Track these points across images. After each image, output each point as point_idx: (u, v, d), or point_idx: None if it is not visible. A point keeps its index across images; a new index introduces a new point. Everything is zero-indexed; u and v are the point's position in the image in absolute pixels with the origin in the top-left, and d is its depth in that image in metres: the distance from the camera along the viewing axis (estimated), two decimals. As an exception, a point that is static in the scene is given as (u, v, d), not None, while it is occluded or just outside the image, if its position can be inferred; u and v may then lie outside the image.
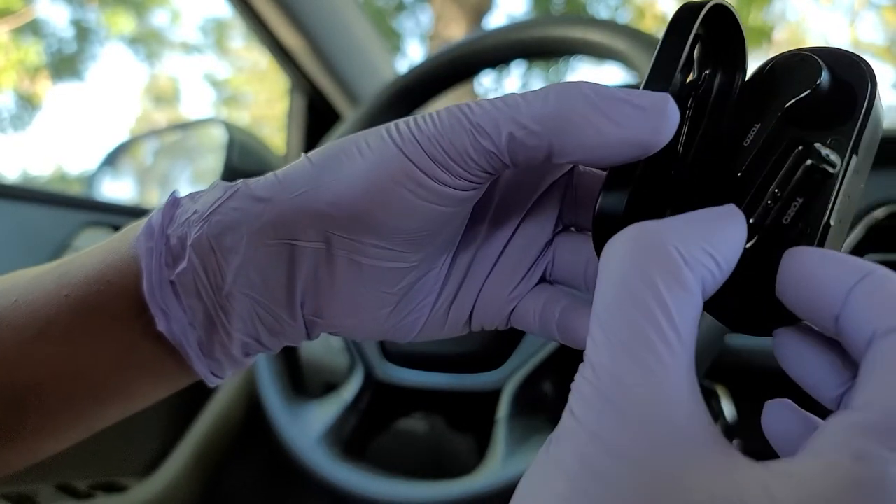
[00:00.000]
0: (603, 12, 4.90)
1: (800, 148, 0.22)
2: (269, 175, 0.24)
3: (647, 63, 0.49)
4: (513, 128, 0.21)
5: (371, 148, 0.22)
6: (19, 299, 0.25)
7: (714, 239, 0.19)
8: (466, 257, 0.26)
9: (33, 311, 0.24)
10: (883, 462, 0.14)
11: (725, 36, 0.24)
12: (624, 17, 5.25)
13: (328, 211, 0.22)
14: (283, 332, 0.25)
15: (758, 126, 0.23)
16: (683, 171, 0.24)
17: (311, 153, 0.24)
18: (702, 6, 0.22)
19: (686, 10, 0.22)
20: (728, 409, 0.58)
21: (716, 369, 0.49)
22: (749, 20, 4.57)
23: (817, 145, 0.21)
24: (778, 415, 0.20)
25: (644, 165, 0.22)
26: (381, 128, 0.23)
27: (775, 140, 0.23)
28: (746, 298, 0.21)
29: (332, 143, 0.24)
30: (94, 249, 0.26)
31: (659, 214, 0.23)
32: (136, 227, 0.25)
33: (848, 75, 0.22)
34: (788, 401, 0.21)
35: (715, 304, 0.21)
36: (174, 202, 0.25)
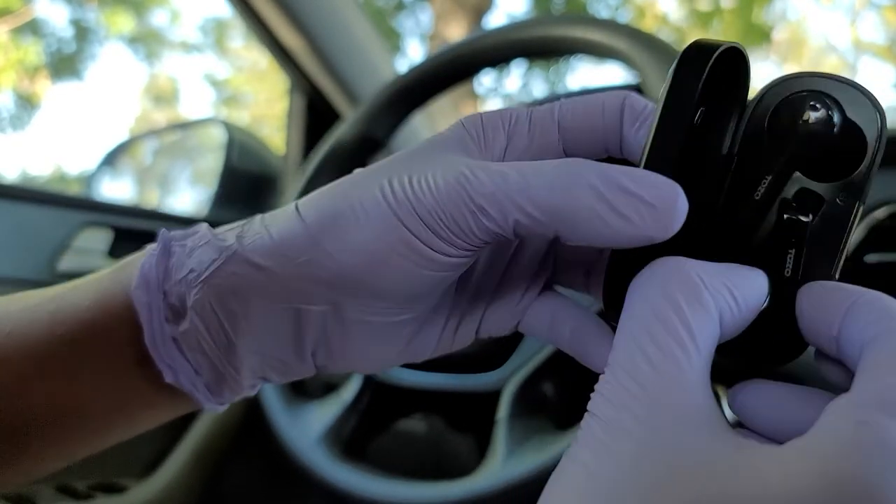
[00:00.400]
0: (603, 12, 4.90)
1: (811, 200, 0.21)
2: (263, 233, 0.23)
3: (647, 63, 0.49)
4: (518, 215, 0.20)
5: (368, 214, 0.22)
6: (13, 331, 0.24)
7: (735, 279, 0.20)
8: (470, 284, 0.26)
9: (28, 349, 0.24)
10: (883, 428, 0.16)
11: (730, 75, 0.23)
12: (624, 17, 5.25)
13: (332, 281, 0.22)
14: (292, 372, 0.26)
15: (769, 178, 0.22)
16: (693, 227, 0.23)
17: (302, 207, 0.23)
18: (706, 60, 0.20)
19: (693, 56, 0.21)
20: (728, 410, 0.58)
21: (716, 370, 0.49)
22: (750, 20, 4.57)
23: (828, 199, 0.21)
24: (749, 397, 0.21)
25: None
26: (376, 187, 0.22)
27: (783, 190, 0.22)
28: (762, 337, 0.21)
29: (323, 197, 0.23)
30: (85, 286, 0.25)
31: None
32: (128, 267, 0.25)
33: (857, 115, 0.21)
34: (756, 380, 0.21)
35: (732, 348, 0.22)
36: (166, 250, 0.24)
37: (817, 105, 0.21)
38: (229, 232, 0.24)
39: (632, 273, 0.21)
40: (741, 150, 0.23)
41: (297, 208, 0.23)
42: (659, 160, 0.21)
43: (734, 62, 0.22)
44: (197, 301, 0.23)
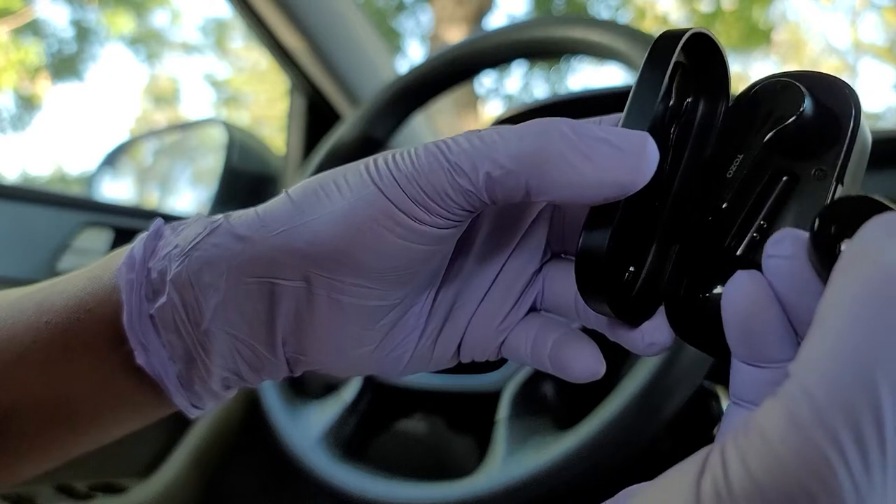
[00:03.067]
0: (604, 13, 4.91)
1: (785, 178, 0.22)
2: (250, 211, 0.24)
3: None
4: (489, 167, 0.20)
5: (350, 185, 0.22)
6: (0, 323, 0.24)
7: None
8: (451, 291, 0.25)
9: (12, 337, 0.24)
10: (825, 455, 0.13)
11: (708, 63, 0.24)
12: (624, 18, 5.25)
13: (307, 251, 0.22)
14: (263, 367, 0.25)
15: (741, 157, 0.23)
16: (667, 203, 0.24)
17: (292, 189, 0.23)
18: (680, 35, 0.22)
19: (665, 40, 0.22)
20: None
21: (716, 370, 0.49)
22: (750, 21, 4.57)
23: (803, 176, 0.21)
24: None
25: (625, 204, 0.21)
26: (360, 163, 0.22)
27: (759, 170, 0.22)
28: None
29: (312, 179, 0.23)
30: (76, 275, 0.25)
31: (644, 250, 0.23)
32: (118, 255, 0.25)
33: (831, 101, 0.22)
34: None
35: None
36: (157, 233, 0.25)
37: (791, 89, 0.22)
38: (223, 214, 0.24)
39: (602, 261, 0.21)
40: (721, 130, 0.24)
41: (287, 192, 0.23)
42: (632, 124, 0.21)
43: (712, 58, 0.23)
44: (176, 274, 0.23)
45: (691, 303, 0.22)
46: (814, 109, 0.21)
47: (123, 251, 0.25)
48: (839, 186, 0.21)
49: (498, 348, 0.26)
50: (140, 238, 0.25)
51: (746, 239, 0.22)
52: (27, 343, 0.24)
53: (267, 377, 0.25)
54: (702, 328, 0.22)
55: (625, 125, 0.21)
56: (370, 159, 0.22)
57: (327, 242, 0.22)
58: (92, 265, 0.26)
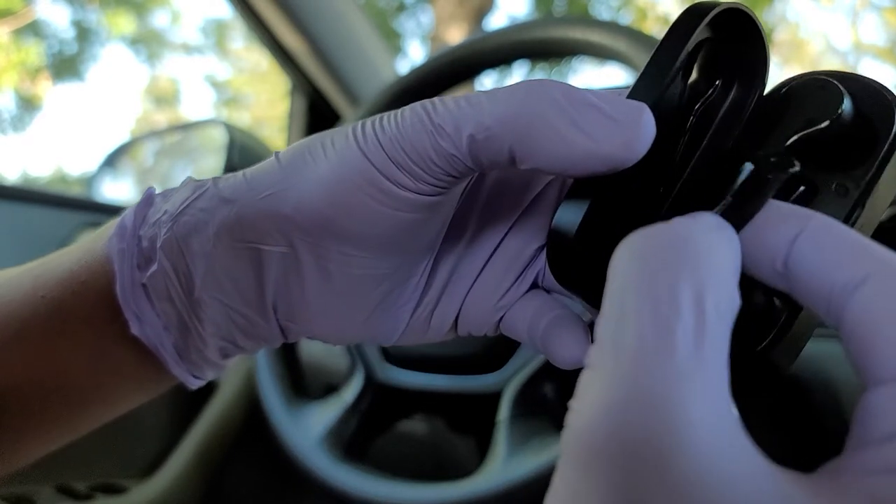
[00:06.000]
0: (605, 13, 4.91)
1: (802, 189, 0.19)
2: (238, 174, 0.23)
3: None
4: (473, 129, 0.19)
5: (335, 148, 0.21)
6: None
7: None
8: (449, 264, 0.25)
9: (10, 312, 0.24)
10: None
11: (742, 43, 0.21)
12: (626, 19, 5.25)
13: (292, 215, 0.21)
14: (258, 334, 0.24)
15: (760, 154, 0.20)
16: (673, 191, 0.21)
17: (281, 152, 0.23)
18: (710, 9, 0.19)
19: (690, 12, 0.19)
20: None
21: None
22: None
23: (823, 189, 0.19)
24: None
25: (618, 182, 0.19)
26: (348, 126, 0.22)
27: (775, 174, 0.20)
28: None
29: (301, 141, 0.23)
30: (71, 248, 0.25)
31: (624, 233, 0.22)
32: (111, 226, 0.25)
33: (872, 110, 0.19)
34: None
35: None
36: (148, 200, 0.24)
37: (830, 89, 0.19)
38: (211, 178, 0.24)
39: (573, 240, 0.19)
40: (746, 123, 0.21)
41: (276, 154, 0.23)
42: (636, 96, 0.19)
43: (748, 38, 0.21)
44: (166, 241, 0.23)
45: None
46: (851, 117, 0.19)
47: (115, 222, 0.24)
48: (860, 211, 0.18)
49: (496, 325, 0.25)
50: (131, 206, 0.24)
51: None
52: (25, 318, 0.24)
53: (263, 344, 0.25)
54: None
55: (631, 95, 0.19)
56: (358, 122, 0.22)
57: (311, 207, 0.21)
58: (87, 237, 0.25)
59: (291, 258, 0.22)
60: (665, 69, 0.19)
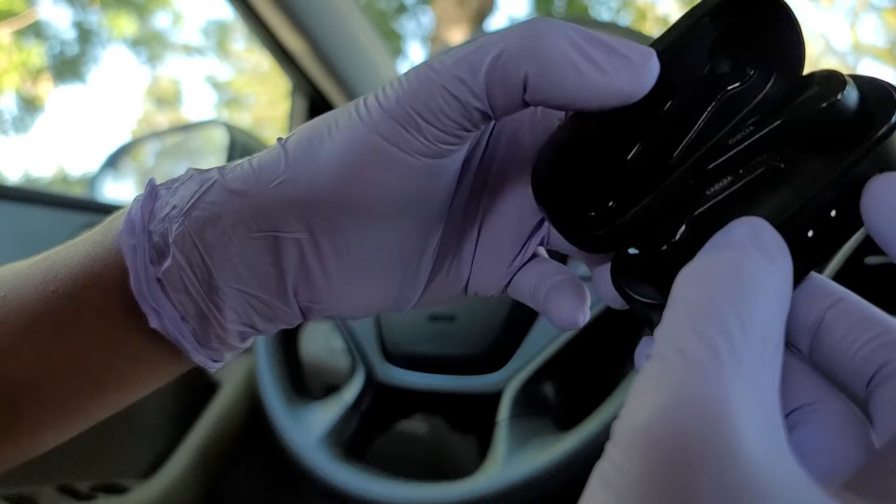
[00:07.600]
0: (604, 14, 4.91)
1: (782, 165, 0.20)
2: (244, 163, 0.23)
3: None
4: (490, 62, 0.20)
5: (340, 127, 0.22)
6: (7, 294, 0.24)
7: None
8: (459, 230, 0.25)
9: (22, 307, 0.24)
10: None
11: (779, 37, 0.22)
12: (625, 20, 5.25)
13: (306, 199, 0.22)
14: (277, 318, 0.25)
15: (751, 128, 0.21)
16: (686, 164, 0.22)
17: (285, 138, 0.23)
18: None
19: None
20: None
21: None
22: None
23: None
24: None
25: (606, 119, 0.21)
26: (351, 104, 0.22)
27: (763, 147, 0.20)
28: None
29: (305, 126, 0.23)
30: (78, 242, 0.25)
31: (640, 194, 0.22)
32: (118, 218, 0.25)
33: (875, 104, 0.19)
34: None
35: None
36: (152, 193, 0.24)
37: (834, 78, 0.20)
38: (215, 168, 0.24)
39: (555, 166, 0.21)
40: (758, 104, 0.22)
41: (280, 141, 0.23)
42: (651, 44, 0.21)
43: (783, 32, 0.22)
44: (178, 235, 0.23)
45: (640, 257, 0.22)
46: (853, 106, 0.19)
47: (121, 214, 0.25)
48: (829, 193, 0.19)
49: (504, 287, 0.26)
50: (136, 200, 0.24)
51: (707, 205, 0.20)
52: (37, 313, 0.24)
53: (282, 325, 0.25)
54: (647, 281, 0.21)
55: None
56: (361, 98, 0.22)
57: (324, 188, 0.22)
58: (93, 230, 0.25)
59: (309, 242, 0.23)
60: (678, 31, 0.21)
